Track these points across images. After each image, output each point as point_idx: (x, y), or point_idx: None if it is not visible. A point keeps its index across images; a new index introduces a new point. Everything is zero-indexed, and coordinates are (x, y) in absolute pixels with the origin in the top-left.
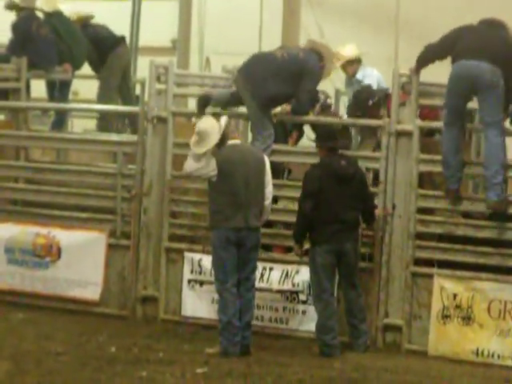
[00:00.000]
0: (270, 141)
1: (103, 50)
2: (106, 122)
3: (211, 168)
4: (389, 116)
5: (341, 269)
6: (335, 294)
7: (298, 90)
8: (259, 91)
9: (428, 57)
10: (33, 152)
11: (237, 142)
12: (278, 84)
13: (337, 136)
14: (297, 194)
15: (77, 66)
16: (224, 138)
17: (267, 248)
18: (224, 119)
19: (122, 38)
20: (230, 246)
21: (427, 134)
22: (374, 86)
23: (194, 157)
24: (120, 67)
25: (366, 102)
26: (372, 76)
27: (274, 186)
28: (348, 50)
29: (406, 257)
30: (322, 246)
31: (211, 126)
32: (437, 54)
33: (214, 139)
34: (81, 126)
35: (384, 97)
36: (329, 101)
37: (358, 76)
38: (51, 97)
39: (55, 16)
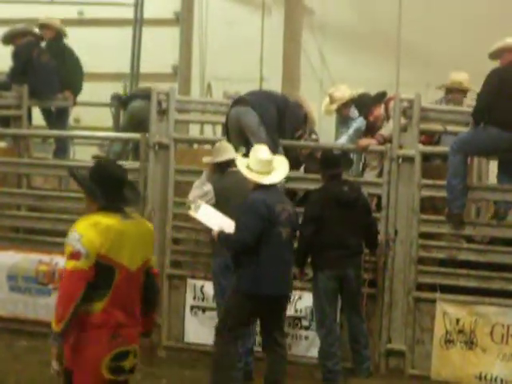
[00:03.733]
0: None
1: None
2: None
3: (209, 196)
4: (388, 119)
5: (343, 295)
6: (338, 320)
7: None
8: (266, 116)
9: (485, 109)
10: (35, 179)
11: (235, 169)
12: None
13: (340, 162)
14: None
15: (76, 92)
16: (223, 165)
17: None
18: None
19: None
20: (230, 273)
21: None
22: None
23: (196, 187)
24: (130, 122)
25: (368, 102)
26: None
27: None
28: (342, 92)
29: (408, 282)
30: (325, 272)
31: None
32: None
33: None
34: (83, 154)
35: (382, 97)
36: (314, 136)
37: (351, 114)
38: (50, 124)
39: (58, 40)
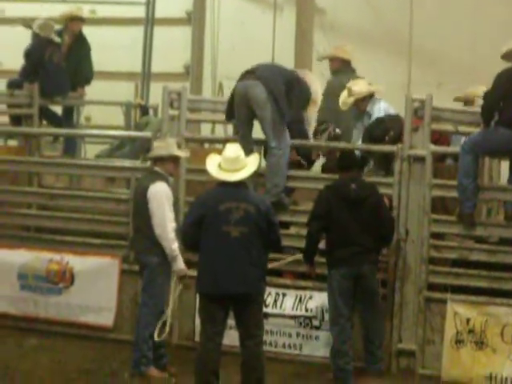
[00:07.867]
0: (288, 150)
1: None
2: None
3: None
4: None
5: (359, 293)
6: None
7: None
8: (275, 90)
9: (493, 108)
10: (46, 178)
11: None
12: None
13: (351, 160)
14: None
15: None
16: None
17: (278, 274)
18: None
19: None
20: None
21: (439, 159)
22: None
23: None
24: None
25: (383, 138)
26: (380, 110)
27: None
28: (361, 87)
29: (419, 282)
30: (339, 270)
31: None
32: (498, 104)
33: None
34: (94, 152)
35: (398, 129)
36: (338, 130)
37: (368, 109)
38: (53, 124)
39: (83, 37)
